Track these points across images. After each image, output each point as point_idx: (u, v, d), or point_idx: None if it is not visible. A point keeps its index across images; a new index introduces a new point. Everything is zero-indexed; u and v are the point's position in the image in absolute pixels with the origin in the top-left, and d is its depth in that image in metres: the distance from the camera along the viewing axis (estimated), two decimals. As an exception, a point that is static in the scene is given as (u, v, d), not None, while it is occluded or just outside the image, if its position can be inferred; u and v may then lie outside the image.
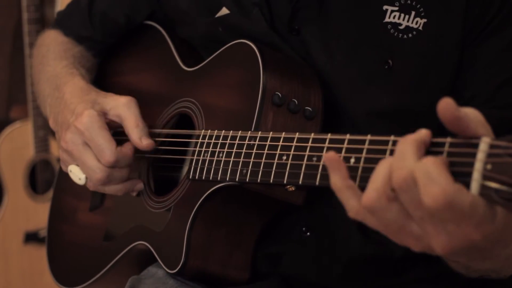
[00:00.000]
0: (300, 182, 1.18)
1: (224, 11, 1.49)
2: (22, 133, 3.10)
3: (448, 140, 0.97)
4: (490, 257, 1.02)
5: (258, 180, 1.26)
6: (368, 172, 1.03)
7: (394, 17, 1.36)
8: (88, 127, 1.45)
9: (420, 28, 1.35)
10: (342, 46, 1.39)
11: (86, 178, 1.48)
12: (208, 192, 1.37)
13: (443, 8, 1.35)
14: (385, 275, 1.46)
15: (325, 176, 1.10)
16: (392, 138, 1.04)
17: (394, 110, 1.37)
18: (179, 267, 1.40)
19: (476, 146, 0.93)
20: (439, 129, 1.34)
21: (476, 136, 0.94)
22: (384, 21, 1.36)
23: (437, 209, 0.91)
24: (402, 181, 0.93)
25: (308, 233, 1.44)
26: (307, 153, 1.17)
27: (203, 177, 1.37)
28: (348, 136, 1.11)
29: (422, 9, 1.35)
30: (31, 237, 3.13)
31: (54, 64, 1.67)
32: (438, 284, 1.45)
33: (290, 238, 1.46)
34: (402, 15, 1.36)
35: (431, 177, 0.91)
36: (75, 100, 1.53)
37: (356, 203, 1.00)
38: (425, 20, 1.35)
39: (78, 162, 1.48)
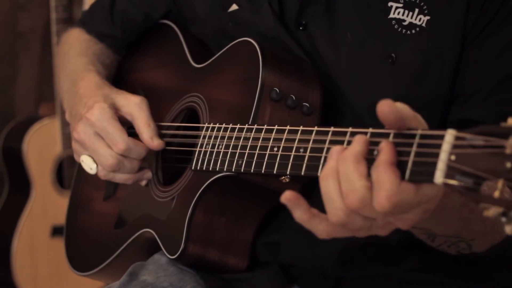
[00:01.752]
0: (288, 172, 1.23)
1: (234, 6, 1.55)
2: (50, 129, 3.17)
3: (419, 132, 1.01)
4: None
5: (252, 171, 1.32)
6: None
7: (398, 14, 1.41)
8: (99, 118, 1.52)
9: (424, 25, 1.40)
10: (348, 41, 1.44)
11: (97, 167, 1.55)
12: (208, 182, 1.43)
13: (445, 6, 1.39)
14: (381, 263, 1.50)
15: (311, 166, 1.17)
16: (370, 130, 1.09)
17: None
18: (178, 252, 1.45)
19: (442, 137, 0.98)
20: (440, 120, 1.39)
21: (409, 129, 1.02)
22: (388, 17, 1.41)
23: (387, 212, 0.99)
24: (358, 203, 1.01)
25: None
26: (295, 144, 1.22)
27: (204, 168, 1.43)
28: (332, 128, 1.16)
29: (425, 6, 1.40)
30: (58, 231, 3.19)
31: (75, 61, 1.74)
32: (434, 274, 1.49)
33: (288, 227, 1.50)
34: (406, 11, 1.40)
35: (378, 185, 0.99)
36: (88, 94, 1.60)
37: (325, 226, 1.08)
38: (428, 17, 1.39)
39: (90, 151, 1.55)
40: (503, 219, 0.91)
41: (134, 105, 1.56)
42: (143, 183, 1.60)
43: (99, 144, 1.53)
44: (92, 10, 1.85)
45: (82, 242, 1.79)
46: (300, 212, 1.09)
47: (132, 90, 1.71)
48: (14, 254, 3.15)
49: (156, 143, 1.53)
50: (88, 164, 1.57)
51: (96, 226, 1.75)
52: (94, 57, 1.75)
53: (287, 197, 1.09)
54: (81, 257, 1.77)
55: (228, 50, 1.52)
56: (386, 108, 1.02)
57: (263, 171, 1.29)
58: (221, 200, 1.46)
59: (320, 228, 1.08)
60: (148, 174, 1.58)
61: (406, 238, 1.32)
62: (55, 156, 3.19)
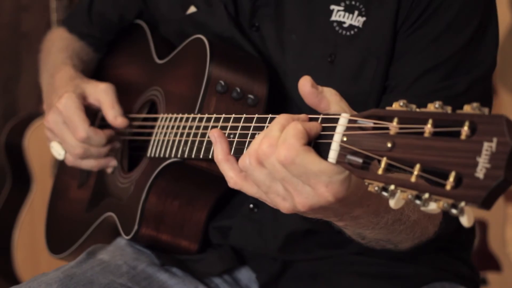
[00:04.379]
0: None
1: (192, 9, 1.65)
2: (50, 126, 3.25)
3: (320, 116, 1.11)
4: (356, 220, 1.16)
5: (193, 156, 1.42)
6: None
7: (339, 16, 1.49)
8: (66, 107, 1.63)
9: (361, 26, 1.48)
10: (293, 41, 1.53)
11: (65, 153, 1.67)
12: (159, 168, 1.53)
13: (379, 7, 1.47)
14: (325, 247, 1.59)
15: (238, 150, 1.25)
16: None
17: None
18: (132, 233, 1.56)
19: (337, 121, 1.07)
20: None
21: (328, 112, 1.08)
22: (330, 20, 1.50)
23: (284, 164, 1.05)
24: (265, 148, 1.08)
25: (255, 210, 1.59)
26: (227, 131, 1.31)
27: (157, 155, 1.54)
28: (256, 116, 1.25)
29: (363, 8, 1.48)
30: (57, 224, 3.28)
31: (55, 56, 1.86)
32: (376, 257, 1.58)
33: (239, 213, 1.61)
34: (347, 14, 1.49)
35: (283, 139, 1.06)
36: (61, 85, 1.72)
37: (234, 174, 1.16)
38: (364, 18, 1.48)
39: (59, 139, 1.66)
40: (385, 194, 1.00)
41: (100, 91, 1.67)
42: (109, 170, 1.71)
43: (67, 134, 1.64)
44: (73, 12, 1.98)
45: (59, 227, 1.91)
46: (219, 150, 1.17)
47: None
48: (15, 245, 3.21)
49: (119, 121, 1.64)
50: (57, 150, 1.68)
51: (71, 211, 1.87)
52: (73, 53, 1.86)
53: (214, 132, 1.18)
54: (56, 241, 1.89)
55: (184, 47, 1.63)
56: (304, 81, 1.11)
57: (201, 156, 1.39)
58: (173, 185, 1.56)
59: (229, 174, 1.17)
60: (114, 162, 1.69)
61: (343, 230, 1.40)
62: (55, 151, 3.27)
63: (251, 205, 1.59)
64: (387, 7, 1.46)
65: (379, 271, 1.58)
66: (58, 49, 1.88)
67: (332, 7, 1.50)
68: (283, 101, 1.54)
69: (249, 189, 1.16)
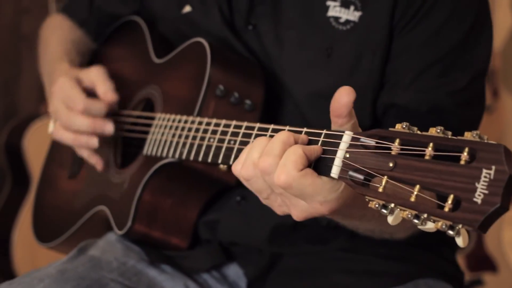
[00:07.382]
0: (219, 161, 1.36)
1: (188, 8, 1.69)
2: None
3: (324, 131, 1.14)
4: (343, 214, 1.25)
5: (191, 158, 1.45)
6: None
7: (335, 11, 1.54)
8: (62, 87, 1.69)
9: (357, 20, 1.52)
10: (291, 37, 1.57)
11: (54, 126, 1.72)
12: (156, 166, 1.56)
13: (375, 2, 1.51)
14: (312, 242, 1.63)
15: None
16: (288, 127, 1.22)
17: (332, 91, 1.53)
18: (126, 229, 1.59)
19: (340, 137, 1.10)
20: (372, 107, 1.52)
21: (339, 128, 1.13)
22: (327, 15, 1.54)
23: (283, 188, 1.11)
24: (267, 165, 1.14)
25: (242, 202, 1.63)
26: (227, 137, 1.36)
27: (153, 154, 1.57)
28: (258, 125, 1.29)
29: (360, 3, 1.52)
30: (56, 224, 3.29)
31: (54, 49, 1.89)
32: (362, 254, 1.62)
33: (226, 207, 1.65)
34: (343, 9, 1.53)
35: (283, 164, 1.11)
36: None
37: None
38: (360, 13, 1.52)
39: (63, 119, 1.68)
40: (384, 211, 1.03)
41: (92, 73, 1.71)
42: (99, 165, 1.73)
43: (67, 111, 1.67)
44: (73, 0, 1.99)
45: (47, 216, 1.93)
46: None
47: None
48: (14, 245, 3.23)
49: (109, 96, 1.68)
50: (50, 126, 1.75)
51: (60, 201, 1.89)
52: (72, 45, 1.90)
53: None
54: (44, 229, 1.90)
55: (184, 48, 1.66)
56: (346, 94, 1.13)
57: (200, 159, 1.42)
58: (168, 183, 1.59)
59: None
60: (109, 126, 1.68)
61: (334, 220, 1.43)
62: (55, 152, 3.29)
63: (238, 198, 1.63)
64: (383, 1, 1.50)
65: (364, 268, 1.61)
66: (57, 40, 1.91)
67: (328, 3, 1.54)
68: (281, 95, 1.57)
69: (251, 187, 1.22)
